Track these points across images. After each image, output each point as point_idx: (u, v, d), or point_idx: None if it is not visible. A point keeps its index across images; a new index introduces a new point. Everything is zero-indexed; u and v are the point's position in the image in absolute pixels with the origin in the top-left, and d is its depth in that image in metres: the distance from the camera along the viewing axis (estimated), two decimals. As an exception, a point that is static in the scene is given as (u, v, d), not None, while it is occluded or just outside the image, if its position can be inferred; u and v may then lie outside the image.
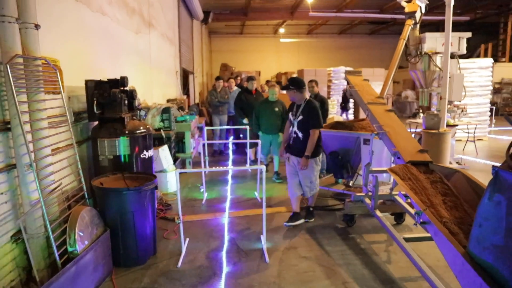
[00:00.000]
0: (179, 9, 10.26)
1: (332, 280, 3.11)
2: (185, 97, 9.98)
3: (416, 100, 13.88)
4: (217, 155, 8.47)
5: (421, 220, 2.68)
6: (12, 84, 2.40)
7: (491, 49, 15.59)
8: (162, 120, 6.06)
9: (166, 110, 6.06)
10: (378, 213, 3.84)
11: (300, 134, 4.18)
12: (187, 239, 3.89)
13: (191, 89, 13.52)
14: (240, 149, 8.57)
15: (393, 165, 3.64)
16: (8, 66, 2.38)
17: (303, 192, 4.39)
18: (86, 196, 3.27)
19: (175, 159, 6.36)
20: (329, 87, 13.49)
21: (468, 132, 8.72)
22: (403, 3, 6.99)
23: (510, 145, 2.05)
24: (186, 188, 5.93)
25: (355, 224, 4.33)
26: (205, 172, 5.83)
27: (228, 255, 3.61)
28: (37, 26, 2.75)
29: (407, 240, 3.19)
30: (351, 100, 12.24)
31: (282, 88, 4.50)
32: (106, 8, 4.67)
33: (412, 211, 3.02)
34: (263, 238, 3.89)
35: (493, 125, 11.76)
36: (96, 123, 3.90)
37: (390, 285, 3.06)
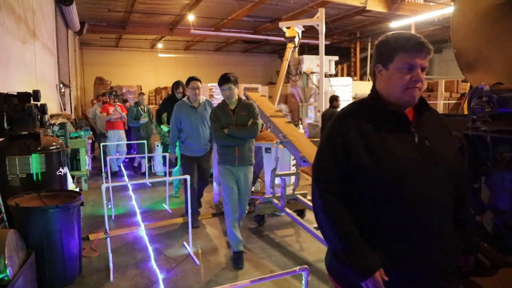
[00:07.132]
0: (56, 18, 9.56)
1: (261, 271, 3.53)
2: (69, 112, 9.29)
3: (289, 113, 15.47)
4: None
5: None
6: None
7: (346, 69, 18.41)
8: (57, 136, 5.68)
9: (61, 126, 5.71)
10: (288, 210, 4.43)
11: None
12: (111, 254, 3.84)
13: (68, 104, 12.54)
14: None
15: (300, 167, 4.29)
16: None
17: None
18: (6, 218, 3.03)
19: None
20: (211, 101, 14.12)
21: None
22: (284, 29, 7.99)
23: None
24: (88, 206, 5.66)
25: (265, 223, 4.85)
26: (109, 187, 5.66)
27: (158, 264, 3.72)
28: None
29: (317, 228, 3.83)
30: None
31: None
32: (-3, 16, 4.30)
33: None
34: (186, 244, 4.12)
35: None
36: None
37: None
